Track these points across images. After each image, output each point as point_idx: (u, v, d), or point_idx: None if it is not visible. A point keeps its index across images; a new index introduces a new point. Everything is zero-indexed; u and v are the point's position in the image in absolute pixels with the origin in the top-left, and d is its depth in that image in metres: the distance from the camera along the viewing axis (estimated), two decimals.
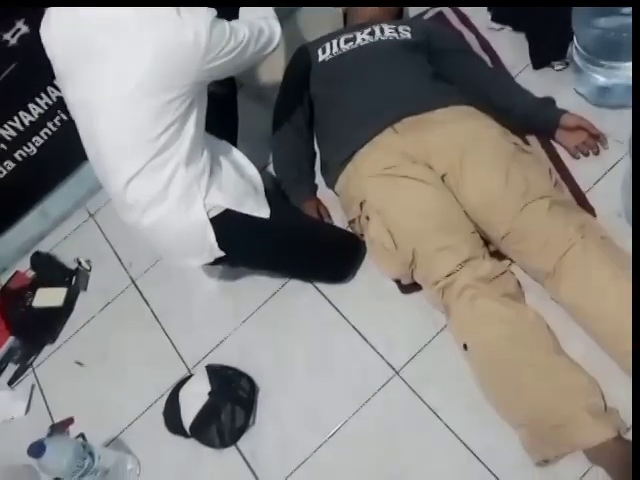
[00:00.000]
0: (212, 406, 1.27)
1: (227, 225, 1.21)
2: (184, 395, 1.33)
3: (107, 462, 1.27)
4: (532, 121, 1.37)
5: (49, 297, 1.70)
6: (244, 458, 1.27)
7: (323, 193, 1.53)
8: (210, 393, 1.28)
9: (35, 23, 1.44)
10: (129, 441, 1.39)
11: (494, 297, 1.13)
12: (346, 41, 1.48)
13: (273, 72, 1.66)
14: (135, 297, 1.63)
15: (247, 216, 1.24)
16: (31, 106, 1.62)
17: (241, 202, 1.23)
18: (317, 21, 1.75)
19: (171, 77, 1.08)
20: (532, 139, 1.40)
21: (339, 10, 1.76)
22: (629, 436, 0.99)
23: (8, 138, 1.64)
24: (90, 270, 1.74)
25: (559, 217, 1.15)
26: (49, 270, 1.76)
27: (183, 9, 1.09)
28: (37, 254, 1.81)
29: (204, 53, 1.08)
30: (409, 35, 1.48)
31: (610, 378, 1.06)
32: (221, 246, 1.22)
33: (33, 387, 1.58)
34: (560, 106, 1.38)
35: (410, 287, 1.30)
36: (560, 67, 1.49)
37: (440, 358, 1.22)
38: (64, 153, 1.72)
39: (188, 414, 1.29)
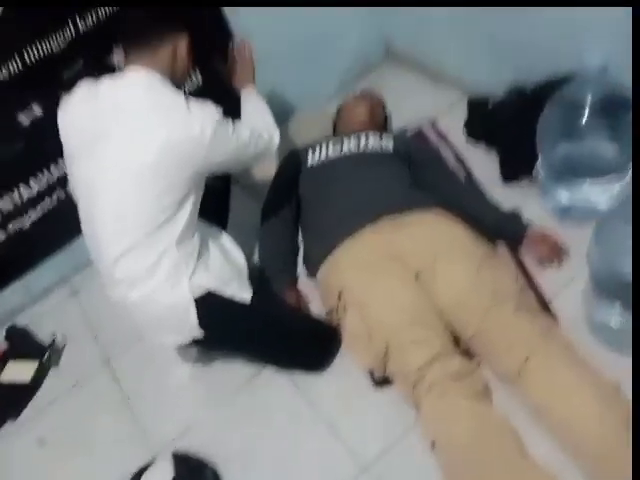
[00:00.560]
0: None
1: (209, 306, 1.25)
2: None
3: None
4: (501, 231, 1.48)
5: (18, 371, 1.67)
6: None
7: (304, 284, 1.58)
8: None
9: (49, 106, 1.58)
10: None
11: (463, 395, 1.16)
12: (334, 147, 1.62)
13: (265, 171, 1.78)
14: (107, 377, 1.61)
15: (229, 299, 1.28)
16: (32, 182, 1.69)
17: (225, 285, 1.28)
18: (308, 128, 1.91)
19: (174, 166, 1.17)
20: (501, 246, 1.49)
21: (329, 119, 1.93)
22: None
23: (4, 210, 1.69)
24: (64, 347, 1.73)
25: (524, 321, 1.22)
26: (23, 343, 1.74)
27: (193, 103, 1.19)
28: (13, 326, 1.80)
29: (207, 148, 1.18)
30: (391, 146, 1.62)
31: None
32: (201, 326, 1.25)
33: None
34: (527, 219, 1.49)
35: (383, 382, 1.32)
36: (527, 184, 1.62)
37: (410, 455, 1.21)
38: (55, 230, 1.78)
39: None
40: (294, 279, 1.60)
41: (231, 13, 1.76)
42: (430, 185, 1.57)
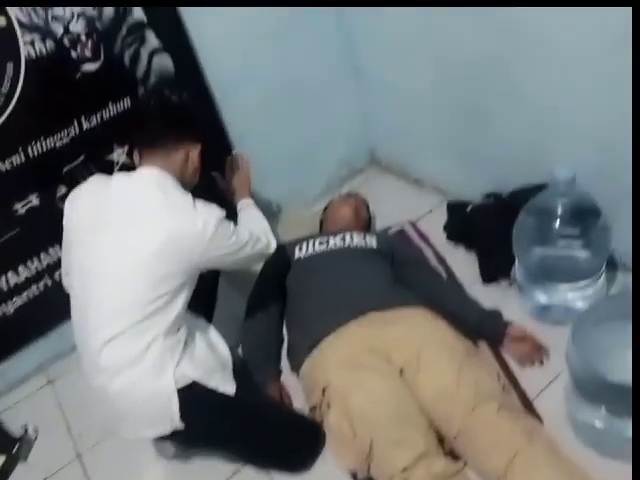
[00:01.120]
0: None
1: (192, 397, 1.23)
2: None
3: None
4: (481, 329, 1.51)
5: None
6: None
7: (287, 378, 1.57)
8: None
9: (46, 197, 1.64)
10: None
11: None
12: (320, 243, 1.69)
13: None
14: (77, 473, 1.53)
15: (212, 391, 1.27)
16: (21, 269, 1.70)
17: (209, 376, 1.28)
18: (295, 225, 1.98)
19: (174, 258, 1.22)
20: (482, 345, 1.51)
21: (316, 218, 2.02)
22: None
23: None
24: (36, 439, 1.65)
25: (507, 421, 1.22)
26: None
27: (199, 202, 1.27)
28: None
29: (208, 243, 1.24)
30: (375, 244, 1.69)
31: None
32: (182, 418, 1.23)
33: None
34: (506, 318, 1.53)
35: None
36: (506, 284, 1.68)
37: None
38: (38, 317, 1.76)
39: None
40: (277, 373, 1.59)
41: (229, 123, 1.88)
42: (412, 283, 1.62)
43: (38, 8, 1.46)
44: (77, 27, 1.53)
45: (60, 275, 1.68)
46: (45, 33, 1.49)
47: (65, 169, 1.65)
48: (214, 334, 1.41)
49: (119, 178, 1.34)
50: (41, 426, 1.68)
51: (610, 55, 1.33)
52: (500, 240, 1.63)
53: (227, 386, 1.31)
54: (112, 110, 1.67)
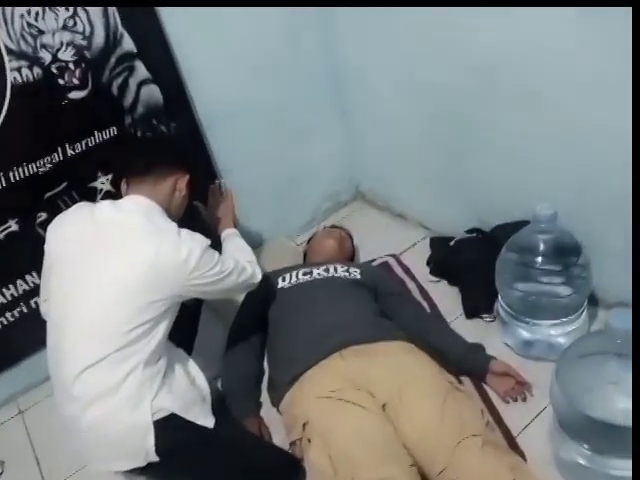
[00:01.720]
0: None
1: (169, 430, 1.20)
2: None
3: None
4: (464, 364, 1.50)
5: None
6: None
7: (267, 412, 1.53)
8: None
9: (25, 224, 1.61)
10: None
11: None
12: (304, 274, 1.68)
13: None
14: None
15: (190, 423, 1.24)
16: None
17: (187, 409, 1.24)
18: (280, 255, 1.97)
19: (158, 286, 1.21)
20: (466, 380, 1.50)
21: (300, 249, 2.01)
22: None
23: None
24: (2, 473, 1.58)
25: (492, 457, 1.20)
26: None
27: (184, 231, 1.27)
28: None
29: (191, 270, 1.23)
30: (359, 276, 1.68)
31: None
32: (158, 451, 1.19)
33: None
34: (489, 353, 1.52)
35: None
36: (489, 319, 1.68)
37: None
38: (11, 345, 1.71)
39: None
40: (257, 407, 1.56)
41: (216, 154, 1.90)
42: (396, 315, 1.62)
43: (27, 36, 1.47)
44: (66, 55, 1.54)
45: (36, 302, 1.66)
46: (33, 60, 1.50)
47: (47, 195, 1.64)
48: (193, 367, 1.38)
49: (104, 205, 1.33)
50: (9, 459, 1.62)
51: (589, 99, 1.37)
52: (483, 275, 1.64)
53: (206, 420, 1.28)
54: (97, 138, 1.66)
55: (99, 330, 1.19)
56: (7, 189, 1.55)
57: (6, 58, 1.45)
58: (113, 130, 1.68)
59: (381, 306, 1.64)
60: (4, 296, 1.67)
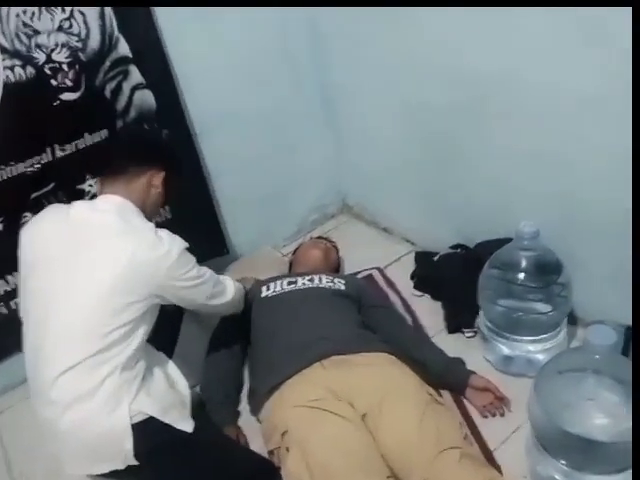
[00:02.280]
0: None
1: (147, 433, 1.19)
2: None
3: None
4: (444, 377, 1.51)
5: None
6: None
7: (246, 421, 1.52)
8: None
9: (9, 224, 1.60)
10: None
11: None
12: (289, 283, 1.68)
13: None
14: None
15: (169, 427, 1.23)
16: None
17: (166, 412, 1.23)
18: (265, 265, 1.98)
19: (135, 284, 1.20)
20: (445, 394, 1.51)
21: (285, 259, 2.02)
22: None
23: None
24: None
25: (469, 470, 1.20)
26: None
27: (161, 231, 1.26)
28: None
29: (169, 270, 1.22)
30: (343, 287, 1.69)
31: None
32: (136, 454, 1.18)
33: None
34: (469, 368, 1.53)
35: None
36: (470, 335, 1.70)
37: None
38: None
39: None
40: (235, 415, 1.55)
41: (207, 161, 1.91)
42: (379, 327, 1.62)
43: (22, 35, 1.47)
44: (60, 57, 1.55)
45: (16, 303, 1.63)
46: (27, 60, 1.50)
47: (33, 195, 1.63)
48: (174, 370, 1.37)
49: (79, 206, 1.32)
50: None
51: (576, 124, 1.40)
52: (466, 290, 1.66)
53: (185, 424, 1.27)
54: (88, 140, 1.66)
55: (78, 332, 1.18)
56: None
57: (0, 56, 1.45)
58: (104, 133, 1.68)
59: (364, 318, 1.65)
60: None
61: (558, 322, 1.53)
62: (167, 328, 1.47)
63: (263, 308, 1.64)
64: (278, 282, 1.70)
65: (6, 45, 1.46)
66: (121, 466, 1.20)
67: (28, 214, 1.62)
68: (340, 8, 1.76)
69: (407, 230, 2.16)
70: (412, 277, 1.95)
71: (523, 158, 1.57)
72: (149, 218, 1.33)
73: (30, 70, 1.51)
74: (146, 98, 1.72)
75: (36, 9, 1.47)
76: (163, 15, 1.64)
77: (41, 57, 1.52)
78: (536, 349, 1.52)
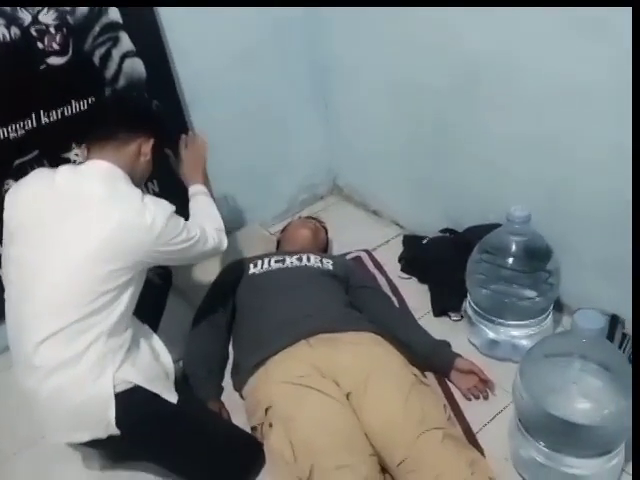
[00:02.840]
0: None
1: (130, 403, 1.17)
2: None
3: None
4: (429, 359, 1.51)
5: None
6: None
7: (228, 397, 1.51)
8: None
9: None
10: None
11: None
12: (276, 261, 1.66)
13: (205, 275, 1.78)
14: None
15: (153, 397, 1.21)
16: None
17: (150, 383, 1.22)
18: (253, 243, 1.96)
19: (121, 251, 1.17)
20: (430, 376, 1.51)
21: (273, 237, 2.00)
22: None
23: None
24: None
25: (452, 450, 1.21)
26: None
27: (148, 197, 1.23)
28: None
29: (156, 237, 1.20)
30: (331, 267, 1.68)
31: None
32: (118, 423, 1.16)
33: None
34: (455, 351, 1.54)
35: None
36: (456, 318, 1.70)
37: None
38: None
39: None
40: (218, 391, 1.54)
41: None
42: (365, 308, 1.62)
43: None
44: (47, 18, 1.50)
45: None
46: (11, 20, 1.45)
47: (16, 162, 1.59)
48: (158, 343, 1.35)
49: (64, 171, 1.27)
50: None
51: (570, 111, 1.39)
52: (453, 274, 1.67)
53: (169, 395, 1.25)
54: (75, 107, 1.62)
55: (61, 299, 1.16)
56: None
57: None
58: (92, 100, 1.64)
59: (351, 298, 1.64)
60: None
61: (544, 308, 1.54)
62: (153, 301, 1.45)
63: (251, 285, 1.62)
64: (266, 260, 1.68)
65: None
66: (103, 435, 1.18)
67: (10, 181, 1.58)
68: None
69: (396, 213, 2.15)
70: (400, 260, 1.95)
71: (516, 144, 1.57)
72: (137, 185, 1.30)
73: (15, 31, 1.46)
74: (136, 66, 1.68)
75: None
76: None
77: (26, 17, 1.47)
78: (521, 334, 1.53)
